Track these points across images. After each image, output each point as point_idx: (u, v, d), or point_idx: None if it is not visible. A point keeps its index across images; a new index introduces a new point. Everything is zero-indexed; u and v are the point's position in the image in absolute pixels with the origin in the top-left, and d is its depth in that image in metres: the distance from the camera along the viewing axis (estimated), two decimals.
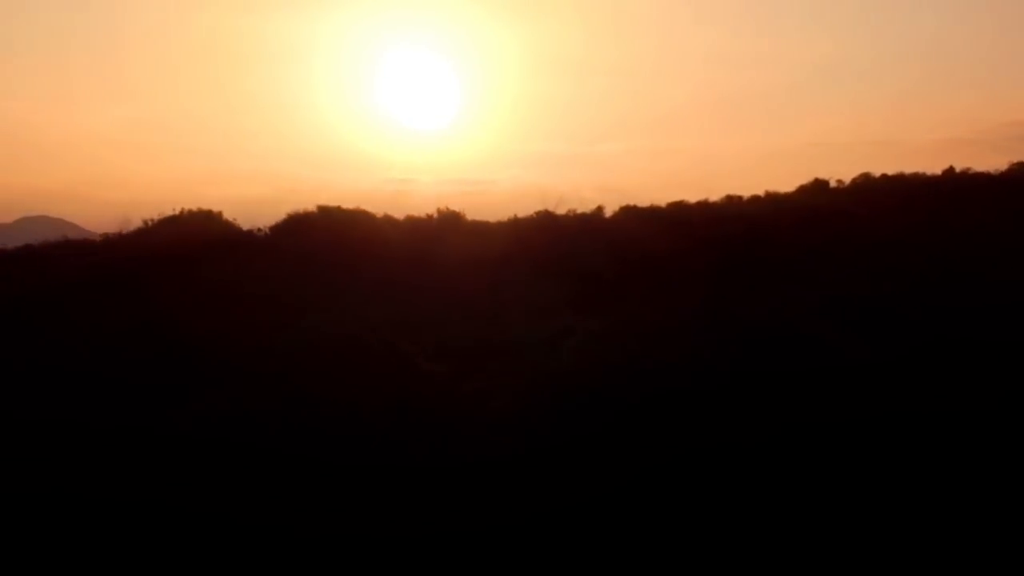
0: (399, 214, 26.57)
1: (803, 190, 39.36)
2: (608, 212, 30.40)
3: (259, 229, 25.56)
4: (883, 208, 35.99)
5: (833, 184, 39.67)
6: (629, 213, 29.90)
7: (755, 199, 36.51)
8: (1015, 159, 39.44)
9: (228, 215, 24.72)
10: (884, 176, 39.55)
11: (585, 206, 30.01)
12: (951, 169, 40.40)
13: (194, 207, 24.53)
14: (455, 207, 26.14)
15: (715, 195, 35.64)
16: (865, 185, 39.52)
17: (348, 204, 24.19)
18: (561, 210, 29.67)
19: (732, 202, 34.27)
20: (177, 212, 24.83)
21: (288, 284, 21.94)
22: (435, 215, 26.56)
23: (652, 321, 21.47)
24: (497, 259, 23.01)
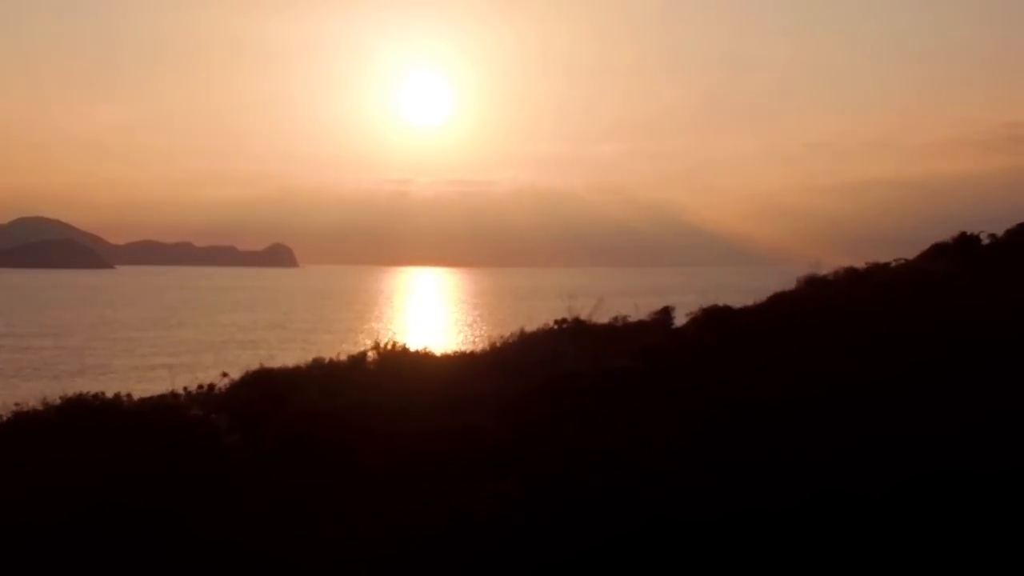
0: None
1: (945, 253, 27.11)
2: (679, 317, 17.96)
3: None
4: None
5: (985, 240, 27.52)
6: (711, 322, 17.46)
7: (882, 273, 24.21)
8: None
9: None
10: None
11: (635, 309, 17.59)
12: None
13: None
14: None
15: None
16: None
17: None
18: (600, 317, 17.30)
19: (854, 291, 21.80)
20: None
21: None
22: (374, 355, 14.01)
23: None
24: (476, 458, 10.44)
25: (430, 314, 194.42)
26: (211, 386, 12.62)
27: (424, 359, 14.25)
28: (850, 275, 24.00)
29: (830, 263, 24.64)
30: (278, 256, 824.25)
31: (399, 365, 13.59)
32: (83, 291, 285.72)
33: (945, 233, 27.10)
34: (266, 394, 12.13)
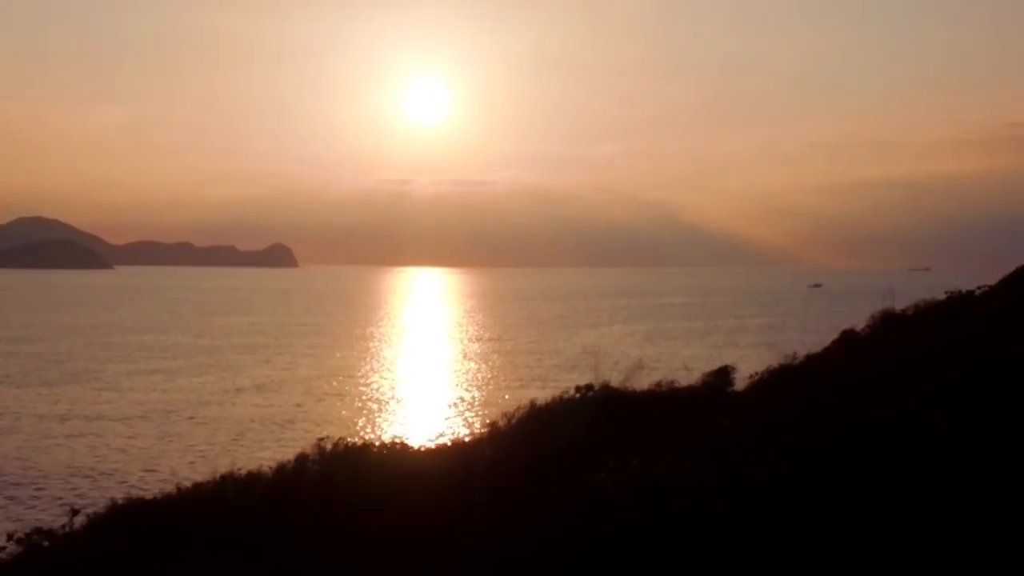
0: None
1: None
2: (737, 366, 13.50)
3: None
4: None
5: None
6: (785, 388, 13.05)
7: (971, 308, 19.31)
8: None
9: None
10: None
11: (686, 372, 13.18)
12: None
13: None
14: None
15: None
16: None
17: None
18: (639, 381, 12.87)
19: (952, 338, 16.97)
20: None
21: None
22: (317, 462, 9.38)
23: None
24: None
25: (428, 318, 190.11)
26: (53, 532, 8.07)
27: (392, 462, 9.64)
28: (933, 310, 19.70)
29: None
30: (278, 256, 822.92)
31: (353, 478, 9.04)
32: (80, 292, 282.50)
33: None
34: (124, 559, 7.47)
